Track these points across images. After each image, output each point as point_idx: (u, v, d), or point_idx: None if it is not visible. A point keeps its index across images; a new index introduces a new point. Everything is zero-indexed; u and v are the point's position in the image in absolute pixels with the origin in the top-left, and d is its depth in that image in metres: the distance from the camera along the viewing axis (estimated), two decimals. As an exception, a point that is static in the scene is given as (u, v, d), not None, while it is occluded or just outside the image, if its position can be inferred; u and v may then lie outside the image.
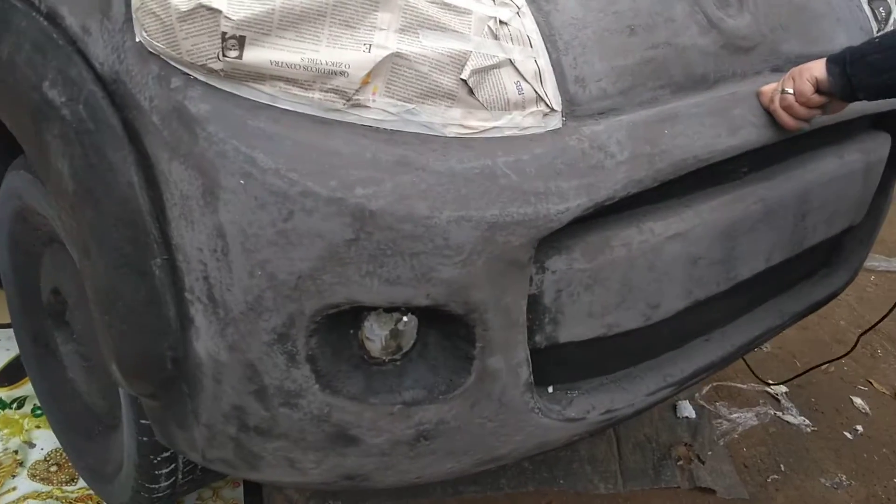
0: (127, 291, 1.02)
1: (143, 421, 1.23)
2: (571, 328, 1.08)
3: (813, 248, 1.44)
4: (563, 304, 1.05)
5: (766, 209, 1.27)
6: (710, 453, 2.04)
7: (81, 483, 1.69)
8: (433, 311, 0.98)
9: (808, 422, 2.21)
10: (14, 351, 2.04)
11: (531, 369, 1.06)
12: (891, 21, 1.55)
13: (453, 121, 0.96)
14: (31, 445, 1.78)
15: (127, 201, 0.99)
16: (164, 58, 0.94)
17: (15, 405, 1.88)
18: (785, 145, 1.29)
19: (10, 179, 1.42)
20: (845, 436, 2.19)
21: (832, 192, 1.40)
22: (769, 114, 1.22)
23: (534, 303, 1.03)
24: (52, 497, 1.66)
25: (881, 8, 1.54)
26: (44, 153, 1.07)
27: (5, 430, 1.81)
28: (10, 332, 2.09)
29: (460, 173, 0.94)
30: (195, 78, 0.93)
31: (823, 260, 1.64)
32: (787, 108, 1.20)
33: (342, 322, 0.98)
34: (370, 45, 0.92)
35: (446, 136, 0.96)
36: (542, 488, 1.84)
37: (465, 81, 0.95)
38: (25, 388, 1.93)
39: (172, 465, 1.30)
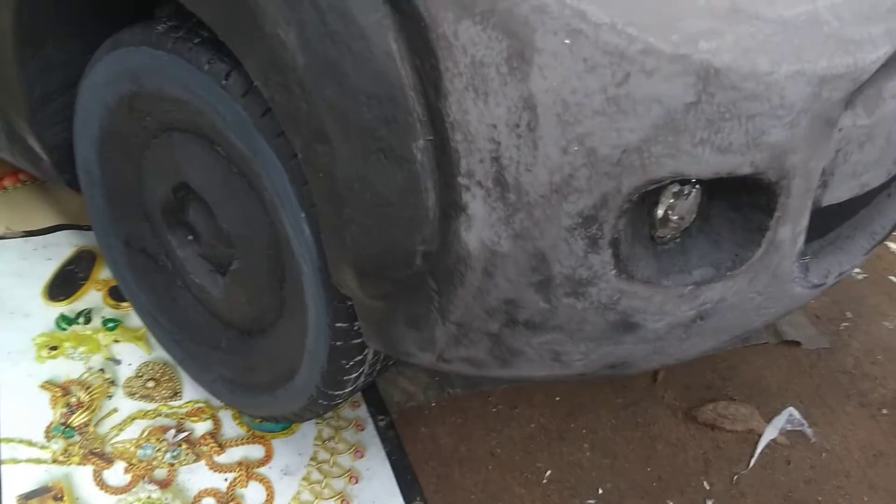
0: (378, 180, 0.89)
1: (338, 324, 1.11)
2: (835, 190, 1.01)
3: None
4: (837, 165, 0.98)
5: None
6: (787, 308, 2.07)
7: (188, 396, 1.56)
8: (720, 180, 0.89)
9: (858, 269, 2.28)
10: (57, 260, 1.84)
11: (805, 237, 0.99)
12: None
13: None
14: (116, 362, 1.62)
15: (383, 74, 0.84)
16: None
17: (82, 320, 1.70)
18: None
19: (116, 60, 1.21)
20: (891, 280, 2.27)
21: None
22: None
23: (816, 165, 0.95)
24: (160, 415, 1.53)
25: None
26: (251, 22, 0.89)
27: (82, 349, 1.64)
28: (47, 238, 1.89)
29: (790, 21, 0.83)
30: (491, -78, 0.78)
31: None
32: None
33: (642, 199, 0.88)
34: None
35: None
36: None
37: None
38: (87, 300, 1.74)
39: (360, 369, 1.19)
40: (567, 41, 0.77)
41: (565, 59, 0.77)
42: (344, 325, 1.11)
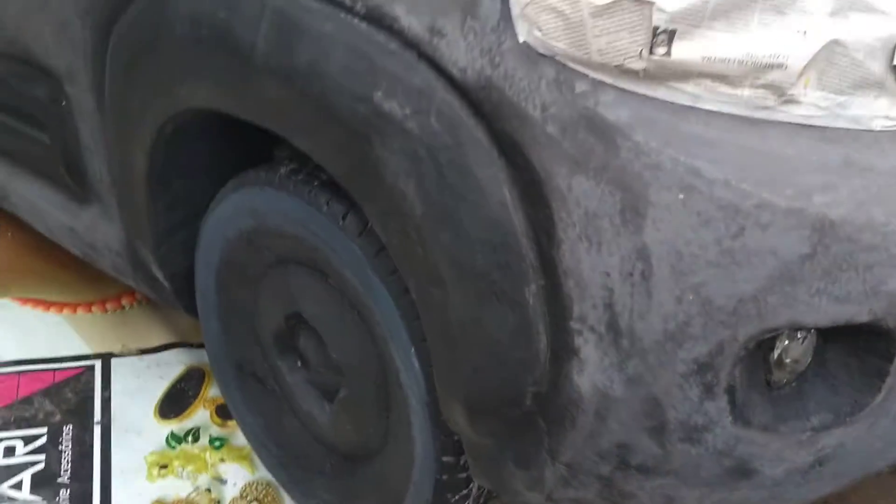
0: (492, 323, 0.91)
1: (445, 458, 1.12)
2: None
3: None
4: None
5: None
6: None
7: (289, 517, 1.58)
8: (839, 327, 0.88)
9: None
10: (169, 378, 1.91)
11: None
12: None
13: (880, 112, 0.86)
14: (223, 482, 1.66)
15: (497, 222, 0.88)
16: (562, 59, 0.83)
17: (190, 438, 1.75)
18: None
19: (240, 198, 1.29)
20: None
21: None
22: None
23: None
24: (262, 534, 1.55)
25: None
26: (372, 172, 0.95)
27: (190, 467, 1.69)
28: (159, 356, 1.97)
29: (905, 171, 0.84)
30: (603, 81, 0.82)
31: None
32: None
33: (758, 346, 0.87)
34: (805, 32, 0.81)
35: (874, 130, 0.85)
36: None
37: (895, 68, 0.84)
38: (196, 418, 1.80)
39: (465, 503, 1.19)
40: (681, 196, 0.79)
41: (679, 212, 0.80)
42: (451, 459, 1.12)
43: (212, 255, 1.42)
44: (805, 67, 0.81)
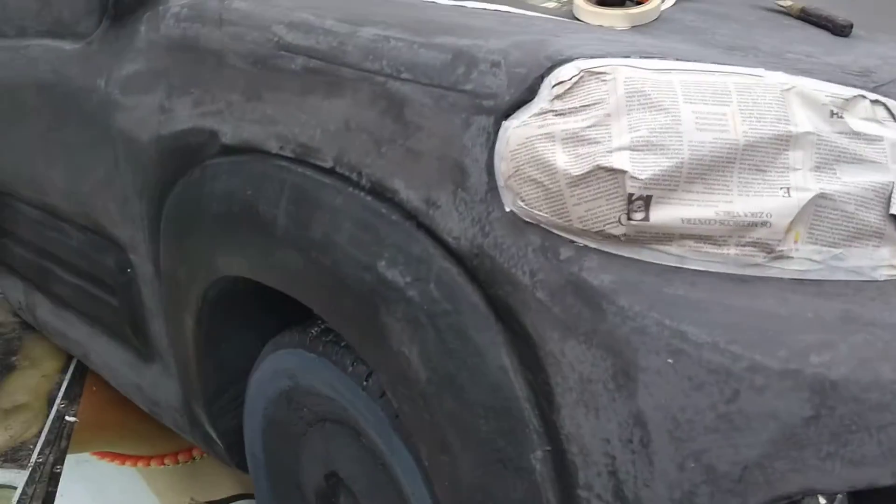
0: (500, 490, 0.90)
1: None
2: None
3: None
4: None
5: None
6: None
7: None
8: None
9: None
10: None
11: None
12: None
13: (883, 262, 0.83)
14: None
15: (498, 388, 0.88)
16: (546, 227, 0.84)
17: None
18: None
19: (277, 360, 1.33)
20: None
21: None
22: None
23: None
24: None
25: None
26: (379, 339, 0.97)
27: None
28: (226, 510, 2.00)
29: (913, 324, 0.80)
30: (587, 246, 0.83)
31: None
32: None
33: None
34: (788, 189, 0.81)
35: (878, 281, 0.83)
36: None
37: (894, 216, 0.82)
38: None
39: None
40: (670, 360, 0.78)
41: (670, 377, 0.78)
42: None
43: (257, 415, 1.45)
44: (791, 223, 0.80)
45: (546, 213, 0.84)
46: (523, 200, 0.85)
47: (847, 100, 0.85)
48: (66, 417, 2.37)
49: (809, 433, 0.77)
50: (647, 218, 0.80)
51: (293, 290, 1.12)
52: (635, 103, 0.82)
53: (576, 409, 0.83)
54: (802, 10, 1.13)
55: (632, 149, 0.80)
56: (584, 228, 0.82)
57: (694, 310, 0.79)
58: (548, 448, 0.87)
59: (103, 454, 2.24)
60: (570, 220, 0.82)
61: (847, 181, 0.82)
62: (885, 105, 0.87)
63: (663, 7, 1.16)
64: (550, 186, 0.83)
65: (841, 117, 0.84)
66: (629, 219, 0.80)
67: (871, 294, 0.81)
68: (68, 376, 2.56)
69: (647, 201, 0.80)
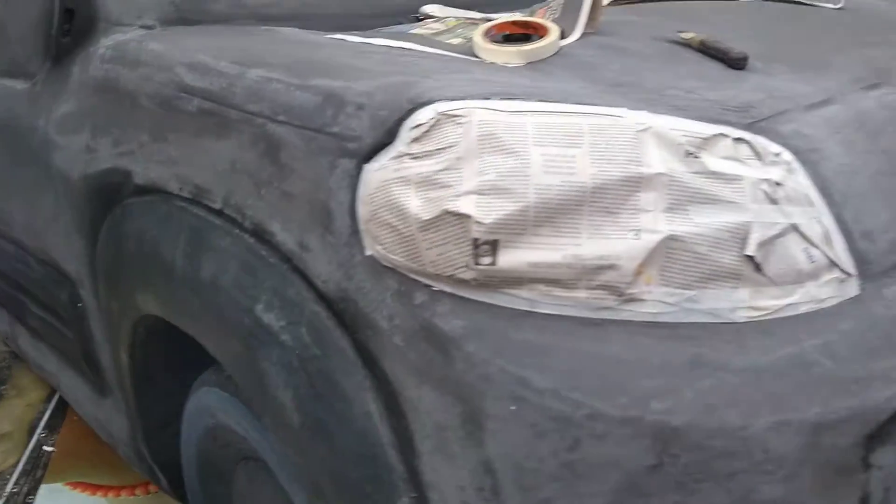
0: (369, 536, 0.88)
1: None
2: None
3: None
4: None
5: None
6: None
7: None
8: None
9: None
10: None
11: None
12: None
13: (741, 303, 0.81)
14: None
15: (365, 434, 0.87)
16: (403, 271, 0.84)
17: None
18: None
19: (200, 397, 1.33)
20: None
21: None
22: None
23: (858, 509, 0.84)
24: None
25: None
26: (259, 382, 0.97)
27: None
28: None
29: (766, 367, 0.78)
30: (442, 290, 0.82)
31: None
32: None
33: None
34: (638, 231, 0.79)
35: (737, 323, 0.81)
36: None
37: (750, 257, 0.81)
38: None
39: None
40: (513, 407, 0.77)
41: (514, 424, 0.77)
42: None
43: (191, 451, 1.46)
44: (641, 266, 0.79)
45: (401, 257, 0.83)
46: (380, 244, 0.85)
47: (706, 139, 0.84)
48: (45, 447, 2.39)
49: (653, 482, 0.75)
50: (494, 263, 0.79)
51: (193, 331, 1.13)
52: (487, 146, 0.81)
53: (434, 456, 0.82)
54: (702, 43, 1.12)
55: (479, 193, 0.79)
56: (437, 273, 0.81)
57: (539, 355, 0.77)
58: (414, 495, 0.86)
59: (76, 484, 2.25)
60: (424, 265, 0.82)
61: (700, 222, 0.80)
62: (749, 143, 0.86)
63: (567, 41, 1.16)
64: (404, 231, 0.82)
65: (697, 157, 0.83)
66: (477, 264, 0.79)
67: (727, 337, 0.80)
68: (51, 406, 2.58)
69: (493, 246, 0.79)
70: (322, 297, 0.91)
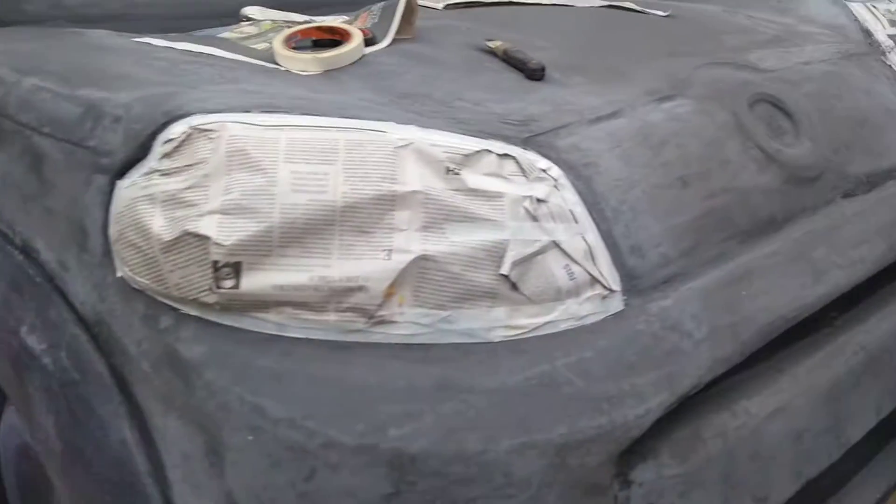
0: (130, 568, 0.85)
1: None
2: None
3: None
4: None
5: (868, 357, 1.08)
6: None
7: None
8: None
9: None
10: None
11: None
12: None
13: (498, 322, 0.80)
14: None
15: (122, 462, 0.83)
16: (151, 294, 0.80)
17: None
18: (871, 280, 1.11)
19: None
20: None
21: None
22: (855, 249, 1.06)
23: (622, 525, 0.84)
24: None
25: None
26: (28, 407, 0.92)
27: None
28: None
29: (515, 388, 0.77)
30: (187, 314, 0.79)
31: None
32: None
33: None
34: (390, 251, 0.77)
35: (492, 343, 0.80)
36: None
37: (506, 276, 0.80)
38: None
39: None
40: (250, 437, 0.74)
41: (251, 455, 0.74)
42: None
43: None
44: (392, 286, 0.77)
45: (147, 279, 0.79)
46: (128, 266, 0.81)
47: (467, 155, 0.82)
48: None
49: (392, 510, 0.73)
50: (237, 286, 0.76)
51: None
52: (235, 163, 0.78)
53: (183, 485, 0.79)
54: (505, 52, 1.11)
55: (222, 213, 0.76)
56: (182, 296, 0.78)
57: (278, 383, 0.75)
58: (170, 525, 0.82)
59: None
60: (168, 288, 0.78)
61: (456, 241, 0.79)
62: (515, 159, 0.85)
63: (374, 48, 1.13)
64: (148, 252, 0.78)
65: (457, 174, 0.81)
66: (219, 287, 0.76)
67: (480, 357, 0.78)
68: None
69: (236, 268, 0.76)
70: (81, 320, 0.86)
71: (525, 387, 0.77)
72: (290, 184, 0.77)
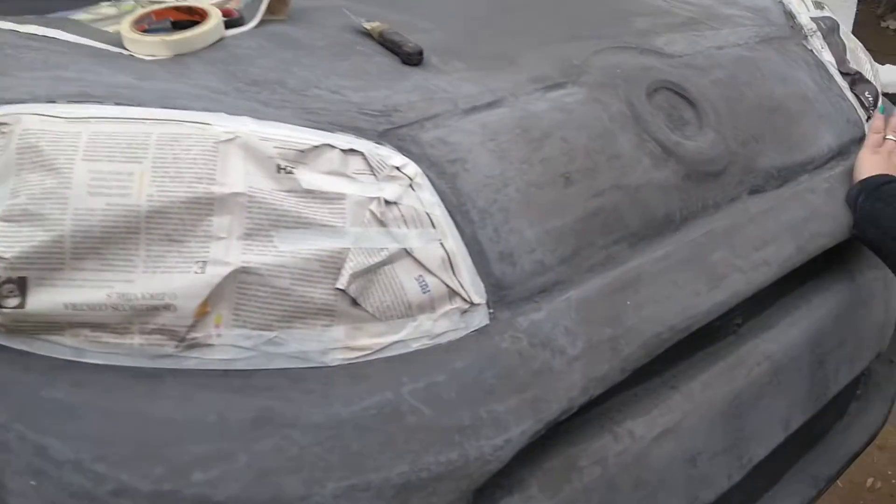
0: None
1: None
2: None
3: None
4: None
5: (773, 367, 1.00)
6: None
7: None
8: None
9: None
10: None
11: None
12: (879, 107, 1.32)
13: (335, 343, 0.70)
14: None
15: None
16: (-71, 312, 0.69)
17: None
18: (781, 282, 1.03)
19: None
20: None
21: (849, 323, 1.14)
22: (760, 251, 0.98)
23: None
24: None
25: (867, 93, 1.31)
26: None
27: None
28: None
29: (348, 420, 0.67)
30: (-30, 338, 0.68)
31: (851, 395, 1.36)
32: None
33: None
34: (204, 263, 0.67)
35: (328, 367, 0.70)
36: None
37: (343, 290, 0.70)
38: None
39: None
40: (33, 483, 0.63)
41: (35, 502, 0.63)
42: None
43: None
44: (205, 304, 0.67)
45: (-77, 296, 0.68)
46: None
47: (304, 151, 0.72)
48: None
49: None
50: (23, 305, 0.65)
51: None
52: (26, 161, 0.67)
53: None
54: (380, 35, 1.00)
55: (6, 220, 0.65)
56: (-38, 316, 0.67)
57: (66, 418, 0.64)
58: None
59: None
60: (-53, 306, 0.67)
61: (285, 250, 0.69)
62: (362, 155, 0.75)
63: (239, 30, 1.02)
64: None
65: (290, 172, 0.71)
66: (2, 307, 0.65)
67: (311, 385, 0.69)
68: None
69: (22, 284, 0.65)
70: None
71: (361, 418, 0.68)
72: (88, 185, 0.66)
